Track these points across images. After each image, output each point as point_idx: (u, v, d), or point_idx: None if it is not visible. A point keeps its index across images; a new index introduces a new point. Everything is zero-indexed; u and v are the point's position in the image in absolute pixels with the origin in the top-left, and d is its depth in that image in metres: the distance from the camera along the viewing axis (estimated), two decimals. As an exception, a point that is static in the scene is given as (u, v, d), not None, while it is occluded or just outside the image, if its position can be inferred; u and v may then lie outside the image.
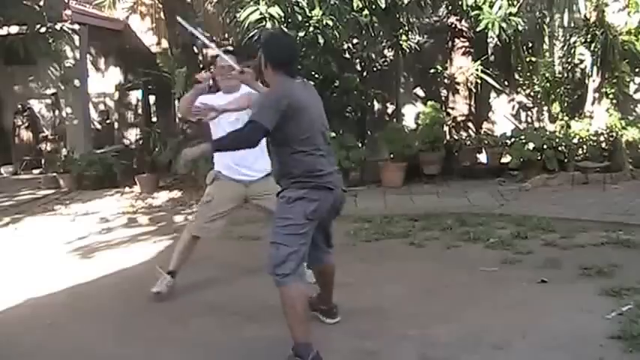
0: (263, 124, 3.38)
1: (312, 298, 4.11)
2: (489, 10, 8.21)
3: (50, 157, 11.06)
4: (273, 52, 3.67)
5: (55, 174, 10.14)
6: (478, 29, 8.55)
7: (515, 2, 8.60)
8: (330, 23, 7.76)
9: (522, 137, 9.47)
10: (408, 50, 10.45)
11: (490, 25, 8.23)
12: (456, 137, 10.34)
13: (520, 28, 8.63)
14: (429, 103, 9.98)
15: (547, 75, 10.22)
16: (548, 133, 9.53)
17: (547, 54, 10.71)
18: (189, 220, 5.06)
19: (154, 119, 12.15)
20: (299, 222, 3.53)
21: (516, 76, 10.88)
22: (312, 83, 4.08)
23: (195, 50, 10.18)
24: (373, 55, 10.58)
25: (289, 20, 7.85)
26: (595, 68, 9.58)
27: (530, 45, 10.64)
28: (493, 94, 11.15)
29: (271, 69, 3.63)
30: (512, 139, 9.62)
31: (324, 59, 8.82)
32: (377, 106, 11.22)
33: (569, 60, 10.14)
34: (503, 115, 11.23)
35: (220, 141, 3.87)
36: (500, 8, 8.21)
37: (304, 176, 3.55)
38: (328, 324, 4.10)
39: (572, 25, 10.18)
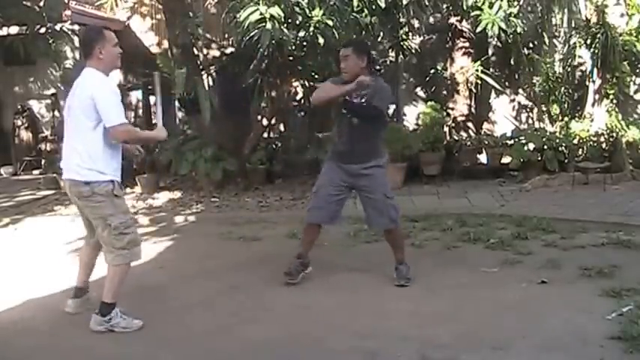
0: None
1: (298, 266, 4.99)
2: (489, 10, 8.21)
3: (50, 158, 11.02)
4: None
5: (54, 174, 10.11)
6: (478, 30, 8.55)
7: (515, 3, 8.60)
8: (331, 23, 7.75)
9: (522, 138, 9.47)
10: (408, 51, 10.44)
11: (490, 26, 8.23)
12: (457, 138, 10.34)
13: (520, 28, 8.62)
14: (430, 103, 9.98)
15: (548, 75, 10.21)
16: (548, 133, 9.53)
17: (547, 54, 10.70)
18: (115, 251, 4.08)
19: (154, 119, 12.13)
20: None
21: (516, 77, 10.88)
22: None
23: (195, 51, 10.18)
24: (374, 56, 10.59)
25: (289, 20, 7.84)
26: (595, 69, 9.58)
27: (531, 45, 10.64)
28: (493, 95, 11.15)
29: (368, 66, 4.79)
30: (513, 140, 9.63)
31: (324, 60, 8.82)
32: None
33: (570, 60, 10.13)
34: (503, 115, 11.23)
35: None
36: (500, 9, 8.21)
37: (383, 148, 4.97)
38: (309, 273, 5.04)
39: (573, 25, 10.19)
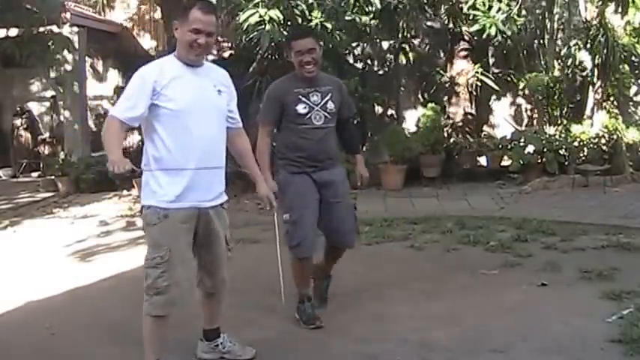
0: None
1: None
2: (489, 13, 8.20)
3: (48, 160, 11.04)
4: None
5: (53, 177, 10.12)
6: (477, 30, 8.54)
7: (514, 5, 8.60)
8: (329, 26, 7.76)
9: (522, 140, 9.47)
10: (409, 52, 10.44)
11: (490, 28, 8.22)
12: (456, 140, 10.34)
13: (520, 30, 8.62)
14: (430, 106, 9.97)
15: (547, 78, 10.22)
16: (548, 135, 9.52)
17: (547, 56, 10.70)
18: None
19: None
20: None
21: (516, 79, 10.87)
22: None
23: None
24: (374, 59, 10.59)
25: (289, 22, 7.84)
26: (595, 71, 9.58)
27: (531, 47, 10.63)
28: (493, 97, 11.14)
29: None
30: (513, 142, 9.63)
31: (323, 61, 8.81)
32: (377, 109, 11.22)
33: (570, 63, 10.13)
34: (503, 117, 11.23)
35: None
36: (499, 11, 8.21)
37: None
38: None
39: (573, 27, 10.19)
